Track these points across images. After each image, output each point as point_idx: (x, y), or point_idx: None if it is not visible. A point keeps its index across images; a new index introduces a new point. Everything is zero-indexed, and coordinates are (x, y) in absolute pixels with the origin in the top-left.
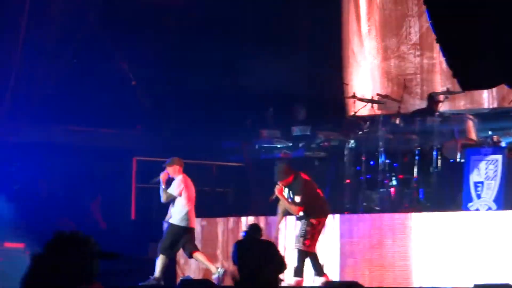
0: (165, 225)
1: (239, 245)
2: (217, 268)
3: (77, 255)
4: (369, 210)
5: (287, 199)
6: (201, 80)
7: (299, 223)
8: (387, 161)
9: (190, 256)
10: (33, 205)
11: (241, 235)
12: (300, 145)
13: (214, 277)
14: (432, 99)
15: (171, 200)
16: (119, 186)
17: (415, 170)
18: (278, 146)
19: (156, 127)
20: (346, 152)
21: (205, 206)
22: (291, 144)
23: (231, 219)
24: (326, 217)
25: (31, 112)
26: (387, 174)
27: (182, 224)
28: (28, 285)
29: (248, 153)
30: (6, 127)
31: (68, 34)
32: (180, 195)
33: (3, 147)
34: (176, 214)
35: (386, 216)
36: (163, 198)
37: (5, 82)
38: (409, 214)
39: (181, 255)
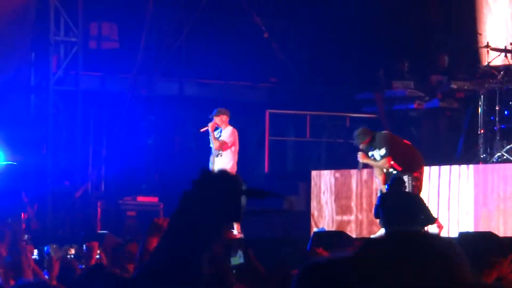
0: None
1: (384, 198)
2: None
3: (225, 192)
4: (503, 160)
5: (373, 160)
6: (334, 31)
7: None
8: None
9: None
10: (167, 159)
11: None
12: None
13: None
14: None
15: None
16: (252, 139)
17: None
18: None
19: (290, 79)
20: (480, 102)
21: (338, 158)
22: (424, 95)
23: (365, 171)
24: (424, 165)
25: (163, 65)
26: None
27: None
28: (175, 221)
29: (382, 105)
30: (139, 80)
31: None
32: (233, 144)
33: (137, 100)
34: (225, 167)
35: None
36: (215, 146)
37: (137, 37)
38: None
39: (314, 207)
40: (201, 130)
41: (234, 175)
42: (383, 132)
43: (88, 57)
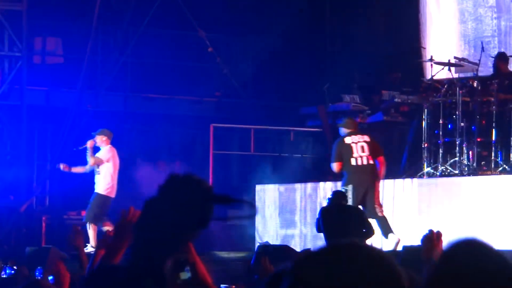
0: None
1: (324, 212)
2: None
3: (192, 197)
4: (447, 174)
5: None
6: (278, 44)
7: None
8: (465, 124)
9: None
10: None
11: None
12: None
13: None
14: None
15: (96, 167)
16: (196, 153)
17: (494, 133)
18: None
19: (234, 94)
20: (424, 115)
21: (283, 172)
22: (368, 108)
23: (309, 185)
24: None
25: (108, 81)
26: (465, 137)
27: (106, 193)
28: (140, 229)
29: (326, 118)
30: (84, 95)
31: (144, 3)
32: (108, 161)
33: (82, 115)
34: (101, 183)
35: (464, 180)
36: (90, 163)
37: (82, 52)
38: (487, 177)
39: (259, 221)
40: (80, 147)
41: (202, 180)
42: (344, 141)
43: (33, 71)
